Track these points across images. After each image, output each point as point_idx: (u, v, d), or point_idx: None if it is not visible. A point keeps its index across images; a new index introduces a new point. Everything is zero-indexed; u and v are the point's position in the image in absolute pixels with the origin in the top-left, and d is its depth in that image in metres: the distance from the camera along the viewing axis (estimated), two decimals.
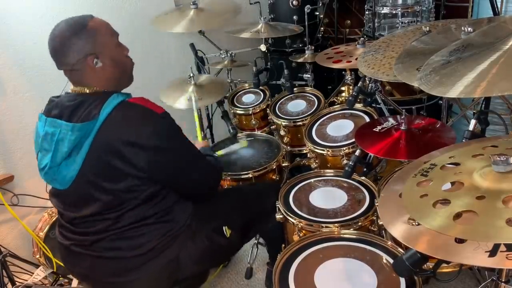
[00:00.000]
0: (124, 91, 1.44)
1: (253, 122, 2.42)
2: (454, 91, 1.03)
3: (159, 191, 1.38)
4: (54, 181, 1.37)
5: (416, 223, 0.89)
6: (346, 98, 2.13)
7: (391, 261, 1.30)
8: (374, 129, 1.69)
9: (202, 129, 2.10)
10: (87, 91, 1.36)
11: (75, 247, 1.42)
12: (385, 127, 1.69)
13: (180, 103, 2.22)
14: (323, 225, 1.53)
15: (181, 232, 1.44)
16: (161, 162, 1.34)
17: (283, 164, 2.08)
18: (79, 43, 1.31)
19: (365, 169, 1.74)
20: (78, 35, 1.31)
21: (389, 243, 1.39)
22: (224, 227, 1.56)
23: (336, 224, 1.52)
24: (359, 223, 1.52)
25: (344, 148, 1.88)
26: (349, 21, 3.11)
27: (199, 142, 1.90)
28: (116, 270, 1.40)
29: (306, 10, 2.63)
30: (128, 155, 1.28)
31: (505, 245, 0.74)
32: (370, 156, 1.72)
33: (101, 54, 1.34)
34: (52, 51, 1.34)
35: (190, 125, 1.94)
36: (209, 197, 1.60)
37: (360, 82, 1.94)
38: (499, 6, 2.15)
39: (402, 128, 1.63)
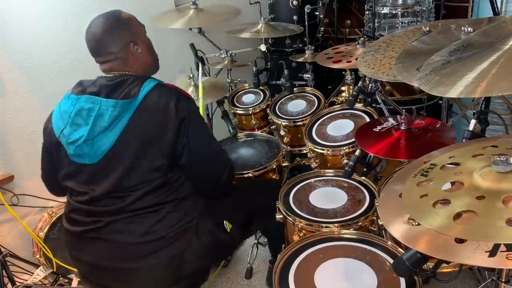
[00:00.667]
0: None
1: (253, 122, 2.42)
2: (454, 91, 1.03)
3: (178, 178, 1.45)
4: (83, 156, 1.41)
5: (416, 223, 0.89)
6: (346, 98, 2.14)
7: (391, 261, 1.30)
8: (374, 129, 1.69)
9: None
10: (127, 73, 1.47)
11: (86, 233, 1.44)
12: (385, 127, 1.69)
13: None
14: (323, 225, 1.53)
15: (190, 227, 1.46)
16: (190, 135, 1.42)
17: (283, 164, 2.08)
18: (120, 33, 1.45)
19: (365, 169, 1.74)
20: (118, 26, 1.45)
21: (389, 243, 1.39)
22: (225, 222, 1.57)
23: (336, 224, 1.52)
24: (359, 223, 1.52)
25: (344, 148, 1.88)
26: (349, 21, 3.11)
27: None
28: (124, 256, 1.41)
29: (306, 10, 2.63)
30: (163, 129, 1.38)
31: (505, 245, 0.74)
32: (370, 156, 1.72)
33: (139, 41, 1.49)
34: (94, 44, 1.46)
35: None
36: (221, 193, 1.62)
37: (360, 82, 1.94)
38: (499, 6, 2.15)
39: (402, 128, 1.63)
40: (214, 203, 1.59)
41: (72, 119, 1.41)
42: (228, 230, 1.59)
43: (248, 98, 2.53)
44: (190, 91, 2.31)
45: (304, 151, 2.19)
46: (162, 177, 1.41)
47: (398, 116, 1.72)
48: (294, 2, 2.75)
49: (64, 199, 1.60)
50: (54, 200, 2.29)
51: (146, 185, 1.40)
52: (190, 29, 2.65)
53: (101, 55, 1.46)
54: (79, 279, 2.06)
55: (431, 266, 1.13)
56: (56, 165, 1.51)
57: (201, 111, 2.01)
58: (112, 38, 1.44)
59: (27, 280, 2.05)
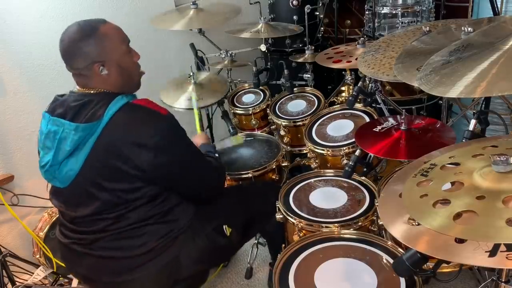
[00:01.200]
0: None
1: (253, 122, 2.42)
2: (454, 91, 1.03)
3: (160, 193, 1.39)
4: (55, 180, 1.38)
5: (416, 223, 0.89)
6: (346, 98, 2.14)
7: (391, 261, 1.30)
8: (374, 129, 1.69)
9: (201, 121, 2.10)
10: (93, 92, 1.37)
11: (75, 246, 1.42)
12: (385, 127, 1.69)
13: (180, 103, 2.22)
14: (323, 225, 1.53)
15: (181, 233, 1.44)
16: (163, 163, 1.33)
17: (283, 164, 2.08)
18: (87, 49, 1.32)
19: (365, 169, 1.74)
20: (87, 40, 1.32)
21: (389, 243, 1.39)
22: (224, 226, 1.56)
23: (336, 224, 1.52)
24: (359, 223, 1.52)
25: (344, 148, 1.88)
26: (349, 21, 3.11)
27: (198, 134, 1.90)
28: (115, 270, 1.40)
29: (306, 10, 2.63)
30: (131, 156, 1.29)
31: (505, 245, 0.74)
32: (370, 156, 1.72)
33: (107, 62, 1.35)
34: (61, 52, 1.36)
35: (190, 126, 1.94)
36: (212, 199, 1.58)
37: (360, 82, 1.94)
38: (499, 6, 2.15)
39: (402, 128, 1.63)
40: (212, 207, 1.58)
41: (43, 141, 1.37)
42: (228, 234, 1.57)
43: (248, 98, 2.52)
44: (190, 90, 2.31)
45: (304, 151, 2.18)
46: (141, 198, 1.35)
47: (398, 116, 1.72)
48: (294, 2, 2.75)
49: None
50: None
51: (127, 206, 1.35)
52: (190, 29, 2.64)
53: (67, 64, 1.37)
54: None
55: (431, 266, 1.13)
56: None
57: (198, 129, 1.99)
58: (77, 53, 1.32)
59: (27, 280, 2.05)
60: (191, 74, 2.32)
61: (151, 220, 1.38)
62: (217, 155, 1.70)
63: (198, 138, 1.82)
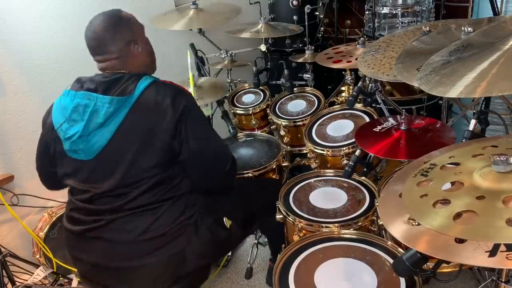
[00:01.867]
0: None
1: (253, 122, 2.42)
2: (454, 91, 1.03)
3: (177, 174, 1.45)
4: (79, 152, 1.41)
5: (416, 223, 0.89)
6: (346, 98, 2.14)
7: (391, 261, 1.30)
8: (374, 129, 1.69)
9: None
10: (123, 71, 1.46)
11: (87, 232, 1.44)
12: (385, 127, 1.69)
13: None
14: (323, 225, 1.53)
15: (190, 224, 1.46)
16: (189, 132, 1.41)
17: (283, 164, 2.08)
18: (122, 32, 1.45)
19: (365, 169, 1.74)
20: (119, 25, 1.46)
21: (389, 243, 1.39)
22: (224, 219, 1.57)
23: (336, 224, 1.52)
24: (359, 223, 1.52)
25: (344, 148, 1.88)
26: (349, 21, 3.11)
27: None
28: (125, 254, 1.41)
29: (306, 10, 2.63)
30: (160, 126, 1.37)
31: (505, 245, 0.74)
32: (370, 156, 1.72)
33: (139, 41, 1.50)
34: (95, 42, 1.45)
35: None
36: (227, 184, 1.62)
37: (360, 82, 1.94)
38: (499, 6, 2.15)
39: (402, 128, 1.63)
40: (214, 201, 1.59)
41: (70, 114, 1.41)
42: (228, 226, 1.58)
43: (248, 98, 2.53)
44: (190, 91, 2.31)
45: (304, 151, 2.19)
46: (161, 174, 1.41)
47: (398, 116, 1.72)
48: (294, 2, 2.75)
49: (64, 198, 1.60)
50: (54, 200, 2.29)
51: (145, 182, 1.39)
52: (190, 29, 2.65)
53: (101, 53, 1.46)
54: (79, 279, 2.06)
55: (431, 266, 1.13)
56: (53, 160, 1.51)
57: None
58: (113, 37, 1.44)
59: (27, 280, 2.05)
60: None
61: (166, 203, 1.42)
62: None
63: None
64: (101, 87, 1.39)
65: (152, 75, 1.55)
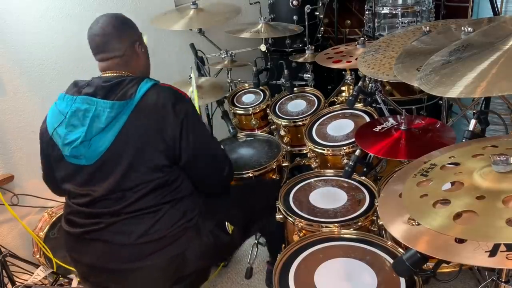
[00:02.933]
0: None
1: (253, 122, 2.42)
2: (454, 91, 1.03)
3: (177, 178, 1.45)
4: (80, 157, 1.40)
5: (416, 223, 0.89)
6: (346, 98, 2.14)
7: (391, 261, 1.30)
8: (374, 129, 1.69)
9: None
10: (124, 74, 1.47)
11: (86, 234, 1.43)
12: (385, 127, 1.69)
13: None
14: (323, 225, 1.53)
15: (190, 226, 1.46)
16: (187, 137, 1.42)
17: (283, 164, 2.08)
18: (129, 30, 1.50)
19: (365, 169, 1.74)
20: (126, 23, 1.50)
21: (389, 243, 1.39)
22: (226, 223, 1.57)
23: (336, 224, 1.52)
24: (359, 223, 1.52)
25: (344, 148, 1.88)
26: (349, 21, 3.11)
27: None
28: (124, 256, 1.41)
29: (306, 10, 2.63)
30: (160, 131, 1.38)
31: (505, 245, 0.74)
32: (370, 156, 1.72)
33: (140, 42, 1.53)
34: (101, 39, 1.46)
35: None
36: (224, 186, 1.66)
37: (360, 82, 1.94)
38: (499, 6, 2.14)
39: (402, 128, 1.63)
40: (215, 204, 1.59)
41: (68, 120, 1.40)
42: (230, 232, 1.58)
43: (248, 98, 2.52)
44: (190, 91, 2.31)
45: (304, 151, 2.19)
46: (161, 178, 1.41)
47: (398, 116, 1.72)
48: (294, 2, 2.75)
49: (64, 199, 1.60)
50: (54, 200, 2.29)
51: (145, 185, 1.39)
52: (190, 29, 2.65)
53: (105, 50, 1.46)
54: (79, 279, 2.06)
55: (431, 266, 1.13)
56: (53, 166, 1.51)
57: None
58: (121, 35, 1.46)
59: (27, 280, 2.05)
60: (190, 76, 2.32)
61: (166, 206, 1.42)
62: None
63: None
64: (101, 91, 1.39)
65: (152, 77, 1.55)
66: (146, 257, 1.40)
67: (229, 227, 1.57)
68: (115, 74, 1.46)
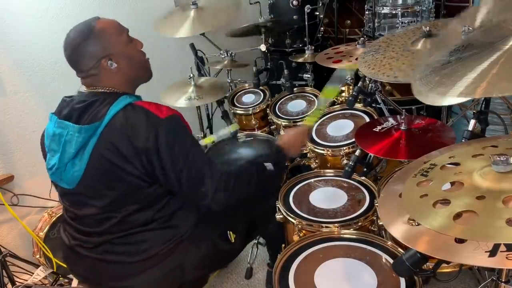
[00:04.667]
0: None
1: (253, 122, 2.42)
2: (454, 92, 1.03)
3: (162, 195, 1.38)
4: (62, 181, 1.39)
5: (416, 223, 0.89)
6: (346, 98, 2.13)
7: (391, 261, 1.30)
8: (374, 129, 1.69)
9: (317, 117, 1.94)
10: (100, 91, 1.37)
11: (78, 248, 1.42)
12: (385, 127, 1.69)
13: (180, 103, 2.22)
14: (323, 225, 1.53)
15: (184, 239, 1.43)
16: (159, 163, 1.31)
17: None
18: (90, 48, 1.34)
19: (365, 169, 1.74)
20: (87, 41, 1.34)
21: (389, 243, 1.39)
22: (228, 232, 1.56)
23: (336, 224, 1.52)
24: (359, 223, 1.52)
25: (344, 148, 1.87)
26: (349, 21, 3.11)
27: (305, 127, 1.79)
28: (117, 274, 1.40)
29: (306, 10, 2.63)
30: (128, 156, 1.29)
31: (505, 245, 0.74)
32: (370, 156, 1.72)
33: (114, 55, 1.36)
34: (68, 60, 1.38)
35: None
36: (215, 207, 1.40)
37: (360, 82, 1.94)
38: None
39: (402, 128, 1.63)
40: (216, 214, 1.54)
41: (49, 144, 1.38)
42: (232, 240, 1.55)
43: (248, 98, 2.52)
44: (190, 91, 2.31)
45: (304, 151, 2.18)
46: (145, 198, 1.35)
47: (398, 116, 1.72)
48: (294, 2, 2.75)
49: None
50: (54, 200, 2.29)
51: (129, 207, 1.35)
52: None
53: (75, 70, 1.39)
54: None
55: (431, 266, 1.13)
56: None
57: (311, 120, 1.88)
58: (81, 56, 1.35)
59: (27, 280, 2.05)
60: (191, 76, 2.32)
61: (155, 224, 1.38)
62: (271, 167, 1.51)
63: (292, 140, 1.66)
64: (75, 113, 1.33)
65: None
66: (139, 274, 1.38)
67: (231, 236, 1.55)
68: (92, 91, 1.38)
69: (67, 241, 1.46)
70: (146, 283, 1.39)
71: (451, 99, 1.07)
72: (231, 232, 1.56)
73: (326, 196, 1.72)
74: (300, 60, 2.54)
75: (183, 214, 1.44)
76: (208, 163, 1.38)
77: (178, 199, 1.43)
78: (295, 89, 2.42)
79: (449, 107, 2.56)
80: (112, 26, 1.39)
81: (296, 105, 2.36)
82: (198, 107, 2.65)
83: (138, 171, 1.31)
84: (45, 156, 1.45)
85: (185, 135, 1.36)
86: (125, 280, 1.39)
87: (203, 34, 2.63)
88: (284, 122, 2.23)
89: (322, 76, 2.80)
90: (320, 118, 2.14)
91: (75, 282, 2.07)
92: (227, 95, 2.54)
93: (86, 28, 1.35)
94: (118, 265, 1.38)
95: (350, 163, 1.67)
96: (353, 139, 1.86)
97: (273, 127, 2.35)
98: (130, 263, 1.37)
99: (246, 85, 2.63)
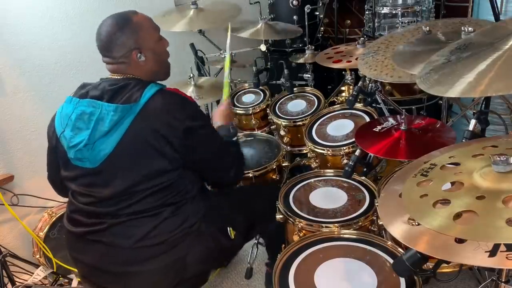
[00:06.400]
0: None
1: (253, 122, 2.42)
2: (454, 91, 1.03)
3: (181, 183, 1.45)
4: (84, 160, 1.40)
5: (416, 223, 0.89)
6: (346, 98, 2.14)
7: (391, 261, 1.30)
8: (374, 129, 1.69)
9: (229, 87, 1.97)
10: (129, 76, 1.47)
11: (88, 234, 1.44)
12: (385, 127, 1.69)
13: None
14: (323, 225, 1.53)
15: (191, 232, 1.45)
16: (192, 143, 1.42)
17: (283, 164, 2.08)
18: (124, 38, 1.43)
19: (365, 169, 1.74)
20: (123, 31, 1.43)
21: (389, 243, 1.39)
22: (228, 228, 1.57)
23: (336, 224, 1.52)
24: (359, 223, 1.52)
25: (344, 148, 1.87)
26: (349, 21, 3.11)
27: (221, 108, 1.86)
28: (124, 259, 1.41)
29: (306, 10, 2.63)
30: (165, 135, 1.37)
31: (505, 245, 0.74)
32: (370, 156, 1.72)
33: (144, 49, 1.46)
34: (99, 45, 1.46)
35: None
36: (232, 184, 1.76)
37: (360, 82, 1.94)
38: (499, 6, 2.14)
39: (402, 128, 1.62)
40: (217, 209, 1.59)
41: (74, 122, 1.41)
42: (232, 237, 1.58)
43: (248, 98, 2.52)
44: (190, 91, 2.31)
45: (304, 151, 2.18)
46: (165, 181, 1.41)
47: (398, 116, 1.72)
48: (294, 2, 2.75)
49: (64, 199, 1.60)
50: (54, 200, 2.29)
51: (149, 188, 1.39)
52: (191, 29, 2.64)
53: (106, 55, 1.47)
54: (79, 279, 2.06)
55: (431, 266, 1.13)
56: (59, 166, 1.51)
57: (224, 95, 1.91)
58: (115, 43, 1.43)
59: (27, 280, 2.06)
60: (191, 75, 2.32)
61: (168, 210, 1.42)
62: (235, 139, 1.76)
63: (219, 114, 1.84)
64: (107, 94, 1.39)
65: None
66: (145, 261, 1.40)
67: (231, 232, 1.57)
68: (120, 77, 1.46)
69: (75, 229, 1.47)
70: (152, 271, 1.41)
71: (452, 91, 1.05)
72: (231, 229, 1.58)
73: (326, 196, 1.72)
74: (300, 60, 2.54)
75: (193, 206, 1.48)
76: (225, 143, 1.62)
77: (193, 190, 1.49)
78: (295, 89, 2.42)
79: (449, 107, 2.56)
80: (148, 21, 1.51)
81: (296, 105, 2.36)
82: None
83: (169, 150, 1.38)
84: (49, 139, 1.51)
85: (208, 119, 1.59)
86: (132, 266, 1.40)
87: (203, 34, 2.63)
88: (284, 122, 2.23)
89: (322, 76, 2.82)
90: (320, 117, 2.14)
91: (75, 282, 2.07)
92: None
93: (124, 18, 1.46)
94: (126, 250, 1.40)
95: (350, 163, 1.67)
96: (353, 139, 1.86)
97: (273, 127, 2.34)
98: (139, 247, 1.39)
99: (246, 85, 2.63)
